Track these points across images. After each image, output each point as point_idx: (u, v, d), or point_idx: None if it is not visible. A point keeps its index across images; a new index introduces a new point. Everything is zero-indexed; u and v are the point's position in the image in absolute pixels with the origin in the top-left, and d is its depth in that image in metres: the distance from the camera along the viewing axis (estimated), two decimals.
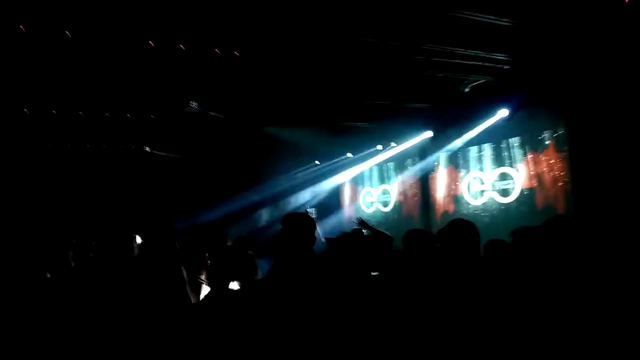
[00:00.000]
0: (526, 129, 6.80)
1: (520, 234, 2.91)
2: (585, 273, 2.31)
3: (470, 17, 5.07)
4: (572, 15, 5.04)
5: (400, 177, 9.11)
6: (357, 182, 9.98)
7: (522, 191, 6.86)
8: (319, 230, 9.34)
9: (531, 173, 6.76)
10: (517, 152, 6.98)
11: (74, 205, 9.04)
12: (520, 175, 6.91)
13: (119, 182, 9.65)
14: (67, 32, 5.29)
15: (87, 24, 5.22)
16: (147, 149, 9.74)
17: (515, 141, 7.02)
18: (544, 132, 6.61)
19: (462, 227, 2.65)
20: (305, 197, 10.06)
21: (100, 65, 6.15)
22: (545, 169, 6.59)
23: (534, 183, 6.71)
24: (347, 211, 9.96)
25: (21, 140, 8.82)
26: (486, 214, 7.40)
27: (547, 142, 6.61)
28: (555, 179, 6.46)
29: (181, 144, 9.56)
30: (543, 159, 6.63)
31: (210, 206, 9.21)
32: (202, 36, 5.66)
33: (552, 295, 2.24)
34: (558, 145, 6.46)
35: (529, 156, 6.83)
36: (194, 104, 7.69)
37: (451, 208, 8.07)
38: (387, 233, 4.09)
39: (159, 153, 9.84)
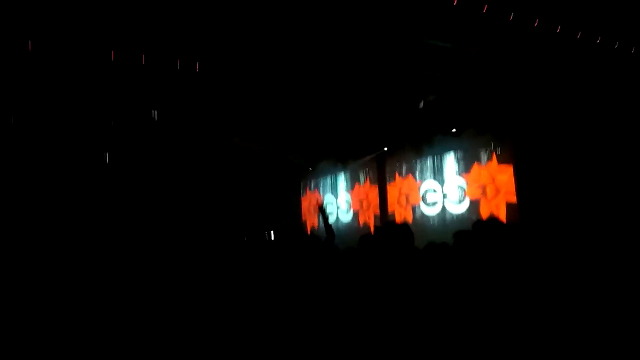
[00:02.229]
0: (475, 142, 7.35)
1: (460, 237, 3.17)
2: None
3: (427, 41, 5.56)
4: (510, 43, 5.58)
5: (358, 186, 9.52)
6: (319, 190, 10.31)
7: (470, 201, 7.39)
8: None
9: (478, 184, 7.30)
10: (467, 164, 7.52)
11: None
12: (469, 186, 7.45)
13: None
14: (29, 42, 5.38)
15: (46, 33, 5.31)
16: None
17: (464, 153, 7.56)
18: (490, 146, 7.17)
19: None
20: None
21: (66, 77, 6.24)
22: (489, 181, 7.16)
23: (480, 194, 7.26)
24: (310, 220, 10.27)
25: None
26: (440, 223, 7.87)
27: (491, 156, 7.19)
28: (497, 190, 7.02)
29: None
30: (488, 171, 7.20)
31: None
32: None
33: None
34: (501, 158, 7.04)
35: (476, 168, 7.38)
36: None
37: (409, 217, 8.48)
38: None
39: None
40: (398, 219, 8.70)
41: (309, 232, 10.12)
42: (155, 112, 7.89)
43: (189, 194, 9.75)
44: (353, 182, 9.62)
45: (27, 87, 6.40)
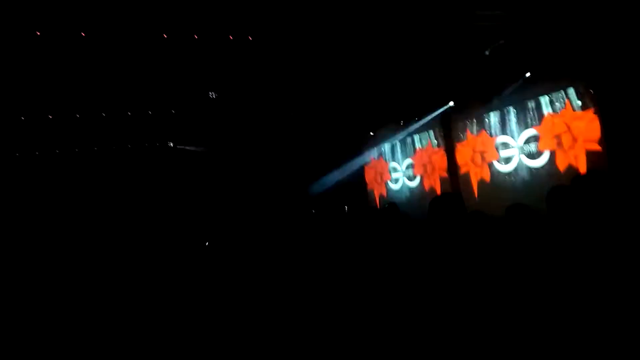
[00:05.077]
0: (547, 89, 6.84)
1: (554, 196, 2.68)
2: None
3: None
4: None
5: (422, 150, 9.27)
6: (385, 157, 10.18)
7: (546, 153, 6.94)
8: None
9: (552, 134, 6.82)
10: (539, 114, 7.04)
11: None
12: (543, 137, 6.98)
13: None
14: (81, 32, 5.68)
15: (100, 20, 5.57)
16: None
17: (538, 102, 7.07)
18: (563, 91, 6.63)
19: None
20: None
21: (116, 63, 6.55)
22: (564, 129, 6.66)
23: (555, 144, 6.78)
24: (377, 188, 10.20)
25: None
26: (517, 179, 7.49)
27: (565, 102, 6.65)
28: (573, 139, 6.52)
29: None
30: (562, 119, 6.69)
31: None
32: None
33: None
34: (576, 104, 6.52)
35: (549, 117, 6.88)
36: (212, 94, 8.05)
37: (486, 176, 8.12)
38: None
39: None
40: (474, 179, 8.38)
41: (376, 201, 10.07)
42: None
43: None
44: (416, 145, 9.39)
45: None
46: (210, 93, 8.27)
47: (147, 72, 7.06)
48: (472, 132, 8.34)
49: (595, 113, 6.28)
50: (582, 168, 6.33)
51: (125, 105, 8.22)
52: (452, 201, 3.27)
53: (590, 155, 6.33)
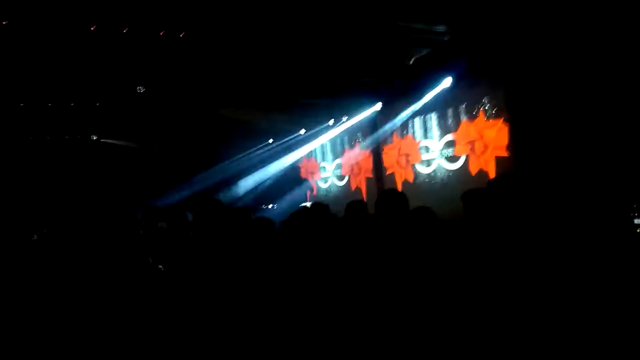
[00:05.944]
0: (465, 98, 7.44)
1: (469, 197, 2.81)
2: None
3: None
4: None
5: (350, 151, 9.70)
6: (315, 157, 10.53)
7: (462, 158, 7.55)
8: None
9: (467, 140, 7.45)
10: (458, 121, 7.63)
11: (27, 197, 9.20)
12: (459, 143, 7.59)
13: (70, 172, 9.82)
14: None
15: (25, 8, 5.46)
16: (94, 137, 9.96)
17: (456, 110, 7.66)
18: (479, 101, 7.24)
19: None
20: (260, 176, 10.53)
21: (39, 53, 6.41)
22: (477, 136, 7.33)
23: (469, 150, 7.42)
24: (307, 186, 10.52)
25: None
26: (436, 181, 8.06)
27: (480, 111, 7.28)
28: (484, 146, 7.17)
29: (132, 130, 9.81)
30: (476, 127, 7.35)
31: (167, 191, 9.54)
32: (145, 18, 5.98)
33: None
34: (489, 114, 7.16)
35: (465, 124, 7.51)
36: (140, 89, 8.00)
37: (410, 177, 8.63)
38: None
39: (109, 141, 10.07)
40: (398, 179, 8.87)
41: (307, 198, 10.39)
42: None
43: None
44: (345, 146, 9.81)
45: None
46: (138, 88, 8.22)
47: (70, 63, 6.94)
48: (398, 136, 8.84)
49: (504, 123, 6.92)
50: (491, 172, 6.96)
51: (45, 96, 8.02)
52: (398, 199, 3.46)
53: (498, 161, 6.98)
